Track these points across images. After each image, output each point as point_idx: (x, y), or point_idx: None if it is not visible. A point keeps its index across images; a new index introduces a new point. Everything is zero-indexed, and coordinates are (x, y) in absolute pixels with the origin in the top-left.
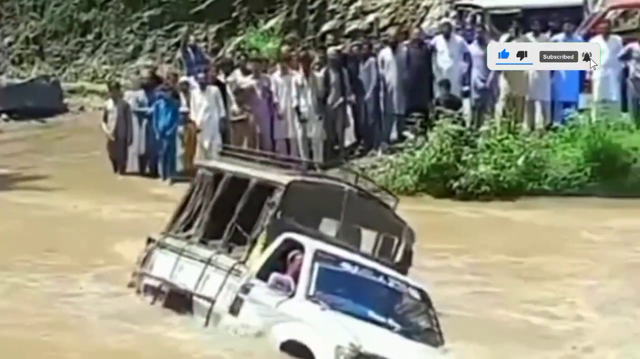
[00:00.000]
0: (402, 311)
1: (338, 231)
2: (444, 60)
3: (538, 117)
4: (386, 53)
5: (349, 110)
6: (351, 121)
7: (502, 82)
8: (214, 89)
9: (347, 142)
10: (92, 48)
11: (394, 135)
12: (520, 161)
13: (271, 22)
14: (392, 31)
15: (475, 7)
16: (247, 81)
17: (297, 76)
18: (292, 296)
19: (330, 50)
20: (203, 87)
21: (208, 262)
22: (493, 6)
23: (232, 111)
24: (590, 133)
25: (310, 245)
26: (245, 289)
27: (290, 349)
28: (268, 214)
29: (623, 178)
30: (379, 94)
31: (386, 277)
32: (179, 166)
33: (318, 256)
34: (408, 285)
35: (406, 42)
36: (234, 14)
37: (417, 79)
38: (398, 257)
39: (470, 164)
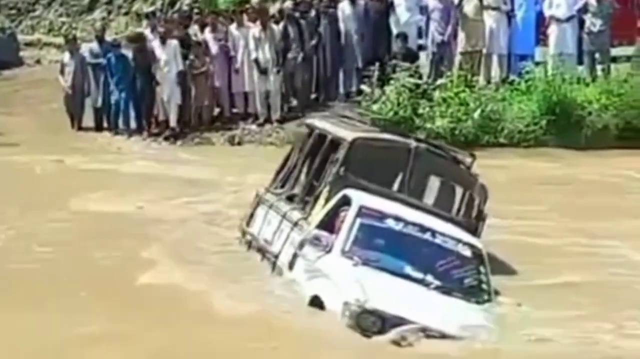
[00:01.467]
0: (445, 268)
1: (403, 186)
2: (402, 13)
3: (494, 70)
4: (345, 6)
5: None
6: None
7: (460, 36)
8: (173, 42)
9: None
10: (48, 0)
11: (353, 88)
12: (476, 114)
13: None
14: None
15: None
16: (205, 35)
17: (255, 29)
18: (329, 251)
19: (288, 3)
20: (163, 41)
21: (283, 217)
22: None
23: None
24: (546, 86)
25: (357, 201)
26: (301, 245)
27: (316, 305)
28: (332, 171)
29: (578, 131)
30: (340, 47)
31: (434, 233)
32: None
33: (362, 212)
34: (459, 241)
35: None
36: None
37: (375, 32)
38: (473, 213)
39: (427, 118)
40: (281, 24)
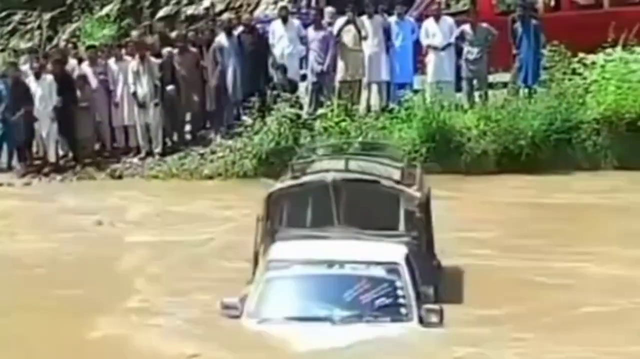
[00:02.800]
0: (354, 296)
1: (335, 220)
2: (283, 44)
3: (374, 99)
4: (221, 39)
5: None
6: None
7: (339, 65)
8: (49, 77)
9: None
10: None
11: (235, 120)
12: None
13: (106, 9)
14: (225, 16)
15: None
16: (84, 69)
17: (133, 62)
18: (239, 316)
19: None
20: (37, 76)
21: None
22: None
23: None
24: (425, 114)
25: (268, 255)
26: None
27: None
28: (259, 229)
29: (457, 157)
30: (224, 79)
31: (342, 265)
32: None
33: (270, 265)
34: (370, 264)
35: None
36: (69, 1)
37: (252, 63)
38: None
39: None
40: (162, 58)
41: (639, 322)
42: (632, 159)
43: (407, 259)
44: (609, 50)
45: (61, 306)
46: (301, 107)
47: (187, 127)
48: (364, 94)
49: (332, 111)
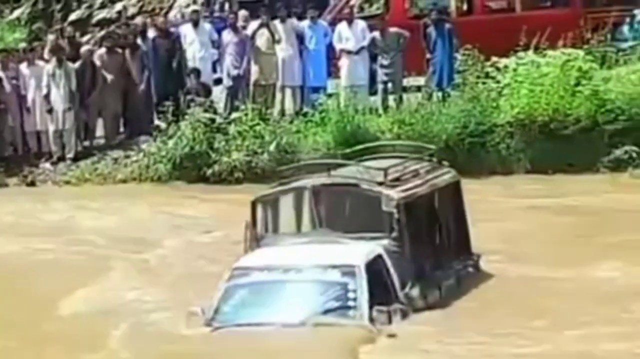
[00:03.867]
0: (305, 300)
1: (315, 224)
2: (195, 48)
3: (288, 103)
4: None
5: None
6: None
7: (253, 69)
8: None
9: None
10: None
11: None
12: (272, 147)
13: (17, 12)
14: (139, 20)
15: None
16: None
17: (49, 66)
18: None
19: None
20: None
21: None
22: None
23: None
24: (339, 118)
25: (234, 265)
26: None
27: None
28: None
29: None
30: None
31: (300, 270)
32: None
33: (233, 274)
34: (327, 268)
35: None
36: None
37: (166, 68)
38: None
39: (222, 152)
40: (78, 62)
41: None
42: (545, 162)
43: (373, 262)
44: (521, 53)
45: None
46: (215, 112)
47: (101, 132)
48: (278, 98)
49: (246, 114)
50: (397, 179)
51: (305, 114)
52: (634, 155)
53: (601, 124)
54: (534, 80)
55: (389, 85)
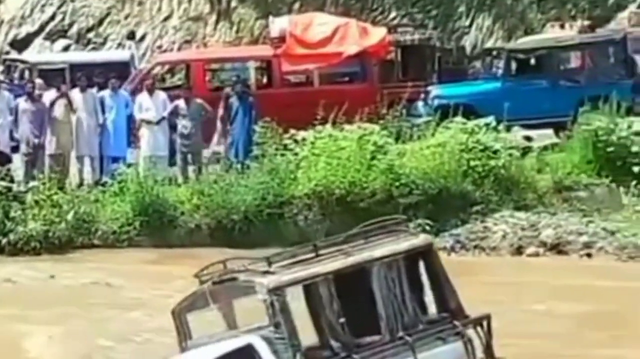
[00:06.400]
0: None
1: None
2: None
3: (87, 172)
4: None
5: None
6: None
7: (50, 138)
8: None
9: None
10: None
11: None
12: (69, 216)
13: None
14: None
15: (23, 62)
16: None
17: None
18: None
19: None
20: None
21: None
22: (40, 61)
23: None
24: (138, 188)
25: None
26: None
27: None
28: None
29: (171, 231)
30: None
31: None
32: None
33: None
34: None
35: None
36: None
37: None
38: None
39: (19, 221)
40: None
41: None
42: (342, 233)
43: (230, 355)
44: (319, 127)
45: None
46: (12, 180)
47: None
48: (76, 167)
49: (44, 183)
50: (296, 263)
51: (104, 184)
52: (427, 228)
53: (396, 197)
54: (332, 153)
55: (189, 156)
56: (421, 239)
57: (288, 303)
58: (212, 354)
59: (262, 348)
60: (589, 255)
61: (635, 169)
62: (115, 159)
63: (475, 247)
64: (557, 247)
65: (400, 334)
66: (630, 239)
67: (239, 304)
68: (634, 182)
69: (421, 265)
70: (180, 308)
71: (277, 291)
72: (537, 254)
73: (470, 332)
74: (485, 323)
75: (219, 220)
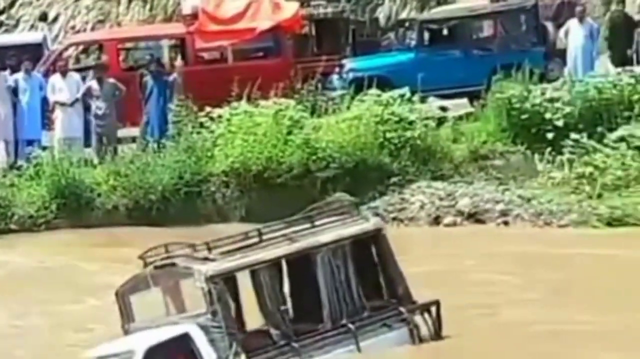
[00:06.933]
0: None
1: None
2: None
3: (2, 157)
4: None
5: None
6: None
7: None
8: None
9: None
10: None
11: None
12: None
13: None
14: None
15: None
16: None
17: None
18: None
19: None
20: None
21: None
22: None
23: None
24: (54, 170)
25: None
26: None
27: None
28: None
29: (89, 212)
30: None
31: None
32: None
33: None
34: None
35: None
36: None
37: None
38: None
39: None
40: None
41: None
42: (260, 210)
43: (166, 344)
44: (234, 104)
45: None
46: None
47: None
48: None
49: None
50: (237, 250)
51: (19, 168)
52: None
53: (313, 171)
54: (248, 129)
55: (104, 137)
56: (371, 224)
57: (225, 291)
58: (148, 342)
59: (199, 336)
60: (505, 223)
61: (549, 135)
62: (30, 142)
63: (394, 219)
64: (474, 216)
65: (344, 321)
66: (545, 206)
67: (184, 287)
68: (548, 149)
69: (372, 250)
70: (123, 289)
71: (215, 279)
72: (454, 224)
73: (418, 318)
74: (434, 309)
75: (136, 200)
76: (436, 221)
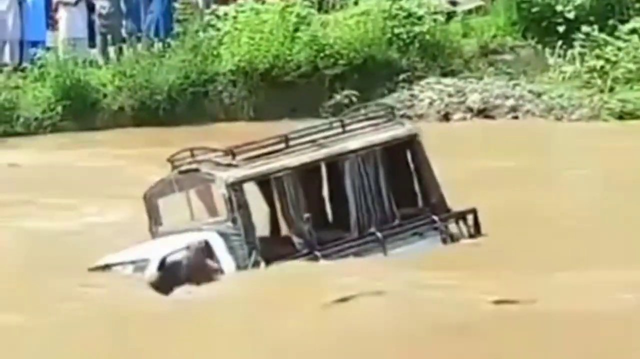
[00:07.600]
0: None
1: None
2: None
3: (6, 58)
4: None
5: None
6: None
7: None
8: None
9: None
10: None
11: None
12: None
13: None
14: None
15: None
16: None
17: None
18: None
19: None
20: None
21: None
22: None
23: None
24: (58, 72)
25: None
26: None
27: None
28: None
29: (94, 114)
30: None
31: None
32: None
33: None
34: (132, 263)
35: None
36: None
37: None
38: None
39: None
40: None
41: None
42: (268, 109)
43: (182, 251)
44: (240, 0)
45: None
46: None
47: None
48: None
49: None
50: (261, 156)
51: (24, 69)
52: (354, 99)
53: (321, 69)
54: (254, 27)
55: (109, 36)
56: (405, 130)
57: (246, 199)
58: (164, 250)
59: (218, 244)
60: (515, 118)
61: (560, 29)
62: (34, 44)
63: (402, 116)
64: (484, 112)
65: (372, 230)
66: (556, 101)
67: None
68: (559, 43)
69: (407, 156)
70: (150, 193)
71: (236, 186)
72: (464, 119)
73: (453, 227)
74: (471, 217)
75: (142, 101)
76: (446, 117)
